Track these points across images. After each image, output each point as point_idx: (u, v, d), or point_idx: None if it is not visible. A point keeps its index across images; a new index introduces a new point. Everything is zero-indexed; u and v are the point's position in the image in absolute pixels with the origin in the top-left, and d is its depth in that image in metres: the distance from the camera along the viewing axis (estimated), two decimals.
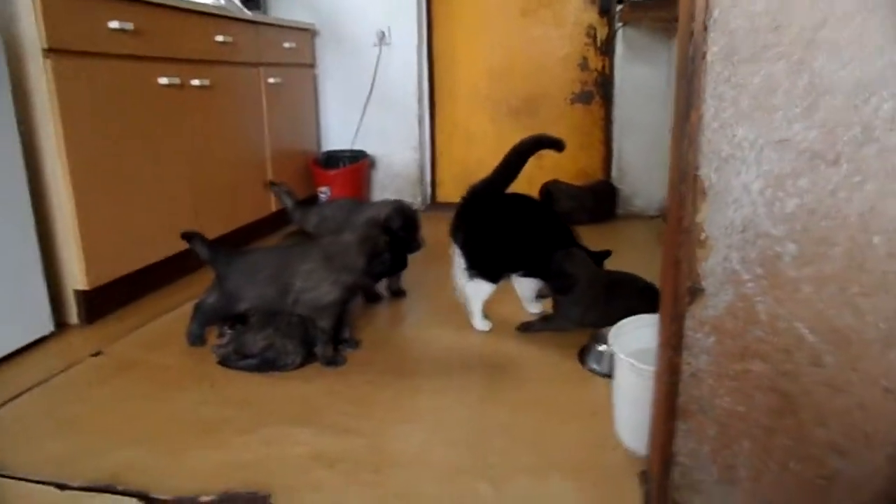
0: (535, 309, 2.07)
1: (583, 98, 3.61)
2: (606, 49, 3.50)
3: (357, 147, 3.71)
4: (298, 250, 1.79)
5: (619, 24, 3.35)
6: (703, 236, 0.90)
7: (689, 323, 0.94)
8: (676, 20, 2.92)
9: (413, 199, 3.71)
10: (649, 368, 1.17)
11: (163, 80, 2.30)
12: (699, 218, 0.90)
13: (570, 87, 3.61)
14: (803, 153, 0.85)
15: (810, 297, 0.89)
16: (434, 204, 3.82)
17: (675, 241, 0.94)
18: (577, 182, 3.53)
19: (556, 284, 1.90)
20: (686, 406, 0.97)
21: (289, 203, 2.42)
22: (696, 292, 0.92)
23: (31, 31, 1.82)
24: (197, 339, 1.87)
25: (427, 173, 3.81)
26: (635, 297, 1.83)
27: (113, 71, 2.09)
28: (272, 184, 2.44)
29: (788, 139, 0.85)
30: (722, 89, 0.85)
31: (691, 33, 0.85)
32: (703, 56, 0.85)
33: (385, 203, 2.14)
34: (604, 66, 3.54)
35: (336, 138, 3.76)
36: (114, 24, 2.04)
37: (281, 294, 1.71)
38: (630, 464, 1.26)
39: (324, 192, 3.45)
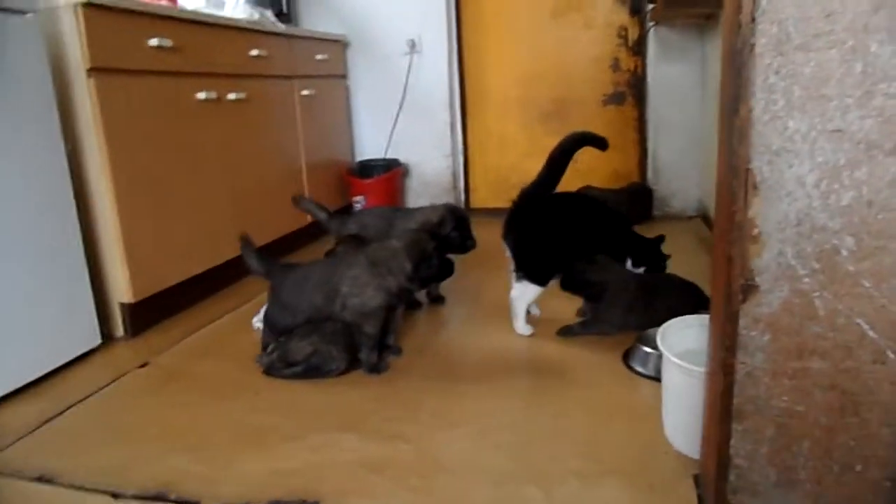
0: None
1: (615, 99, 3.58)
2: (638, 49, 3.47)
3: (390, 156, 3.73)
4: (347, 257, 1.80)
5: (651, 24, 3.32)
6: (755, 231, 0.88)
7: (743, 321, 0.92)
8: (710, 17, 2.89)
9: None
10: (700, 369, 1.15)
11: (200, 95, 2.34)
12: (751, 213, 0.88)
13: (602, 88, 3.58)
14: (859, 143, 0.83)
15: (870, 292, 0.87)
16: (468, 210, 3.82)
17: (726, 237, 0.92)
18: (612, 185, 3.50)
19: (584, 294, 1.88)
20: (742, 406, 0.95)
21: (321, 216, 2.37)
22: (749, 289, 0.90)
23: (75, 51, 1.87)
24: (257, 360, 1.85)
25: (460, 180, 3.81)
26: (675, 296, 1.80)
27: (153, 87, 2.13)
28: (299, 199, 2.41)
29: (843, 129, 0.83)
30: (772, 80, 0.84)
31: (739, 25, 0.83)
32: (752, 48, 0.83)
33: (432, 208, 2.10)
34: (636, 67, 3.50)
35: (369, 148, 3.79)
36: (153, 42, 2.09)
37: (328, 300, 1.72)
38: (682, 467, 1.23)
39: (358, 202, 3.47)
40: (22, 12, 1.71)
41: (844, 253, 0.86)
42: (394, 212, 2.31)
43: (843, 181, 0.84)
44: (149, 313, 2.15)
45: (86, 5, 1.84)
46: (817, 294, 0.88)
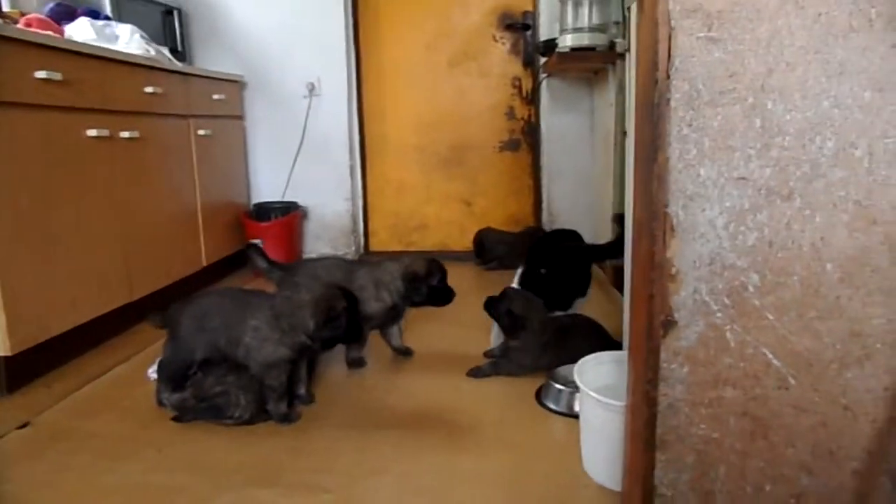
0: None
1: (511, 146, 3.73)
2: (532, 98, 3.65)
3: (288, 198, 3.67)
4: (252, 302, 1.71)
5: (544, 75, 3.51)
6: (673, 270, 0.95)
7: (664, 355, 0.97)
8: (598, 72, 3.10)
9: (347, 249, 3.69)
10: (620, 404, 1.20)
11: (91, 132, 2.22)
12: (669, 253, 0.94)
13: (498, 135, 3.73)
14: (760, 189, 0.92)
15: (773, 324, 0.95)
16: (368, 253, 3.81)
17: (646, 276, 0.98)
18: (509, 228, 3.61)
19: (505, 325, 1.93)
20: (664, 436, 1.00)
21: (262, 264, 2.20)
22: (669, 325, 0.96)
23: None
24: (165, 402, 1.75)
25: (360, 223, 3.80)
26: (583, 337, 1.87)
27: (39, 122, 2.00)
28: (248, 246, 2.26)
29: (746, 177, 0.92)
30: (685, 132, 0.91)
31: (656, 81, 0.91)
32: (668, 102, 0.90)
33: (412, 259, 2.05)
34: (530, 115, 3.68)
35: (267, 190, 3.71)
36: (41, 74, 1.97)
37: (231, 345, 1.65)
38: (604, 498, 1.27)
39: (256, 245, 3.37)
40: None
41: (751, 289, 0.94)
42: (351, 263, 2.19)
43: (748, 223, 0.93)
44: (29, 367, 1.97)
45: None
46: (728, 327, 0.96)
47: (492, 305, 1.93)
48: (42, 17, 2.47)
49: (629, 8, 1.77)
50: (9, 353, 1.88)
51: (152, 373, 1.98)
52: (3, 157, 1.85)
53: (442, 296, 2.02)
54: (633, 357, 1.07)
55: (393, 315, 2.08)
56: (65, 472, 1.48)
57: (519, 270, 2.26)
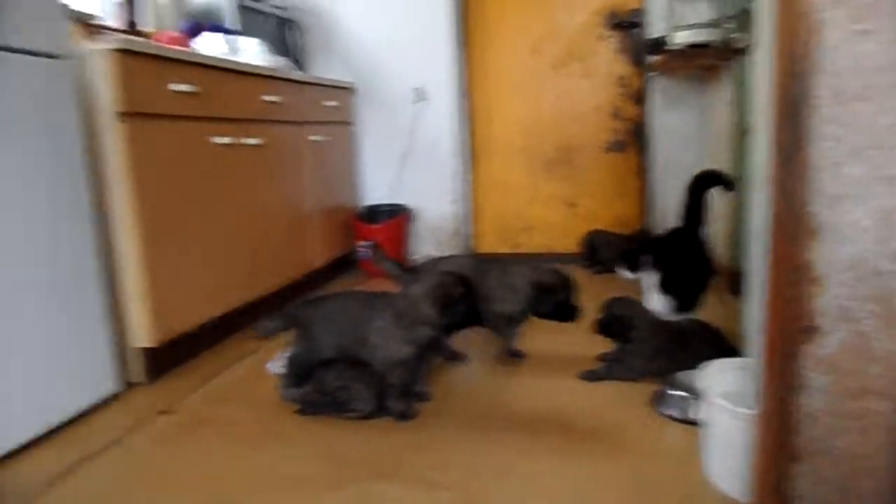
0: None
1: (617, 146, 3.66)
2: (639, 98, 3.57)
3: (396, 201, 3.77)
4: (375, 303, 1.76)
5: (652, 74, 3.42)
6: (815, 274, 0.91)
7: (802, 362, 0.93)
8: (710, 68, 2.99)
9: (453, 250, 3.74)
10: (749, 412, 1.15)
11: (219, 140, 2.37)
12: (810, 256, 0.90)
13: (605, 136, 3.66)
14: None
15: None
16: (461, 255, 3.84)
17: (785, 280, 0.94)
18: (616, 230, 3.55)
19: (611, 332, 1.90)
20: (802, 447, 0.96)
21: (390, 267, 2.21)
22: (809, 331, 0.92)
23: (105, 95, 1.89)
24: (289, 396, 1.83)
25: (466, 225, 3.84)
26: (701, 344, 1.81)
27: (175, 131, 2.16)
28: (377, 254, 2.30)
29: None
30: (830, 129, 0.87)
31: (798, 76, 0.87)
32: (811, 98, 0.87)
33: (547, 270, 2.04)
34: (637, 115, 3.59)
35: (375, 193, 3.83)
36: (177, 87, 2.12)
37: (357, 345, 1.71)
38: None
39: (365, 247, 3.48)
40: (57, 57, 1.74)
41: None
42: (481, 262, 2.14)
43: None
44: (168, 358, 2.13)
45: (117, 51, 1.88)
46: (874, 336, 0.90)
47: (603, 323, 1.91)
48: (175, 34, 2.67)
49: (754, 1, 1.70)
50: (151, 345, 2.04)
51: (272, 367, 2.09)
52: (145, 164, 2.00)
53: (567, 312, 2.00)
54: (768, 364, 1.03)
55: (518, 320, 2.08)
56: (204, 455, 1.59)
57: (650, 275, 2.18)
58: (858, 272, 0.90)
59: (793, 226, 0.91)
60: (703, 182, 2.15)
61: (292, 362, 1.83)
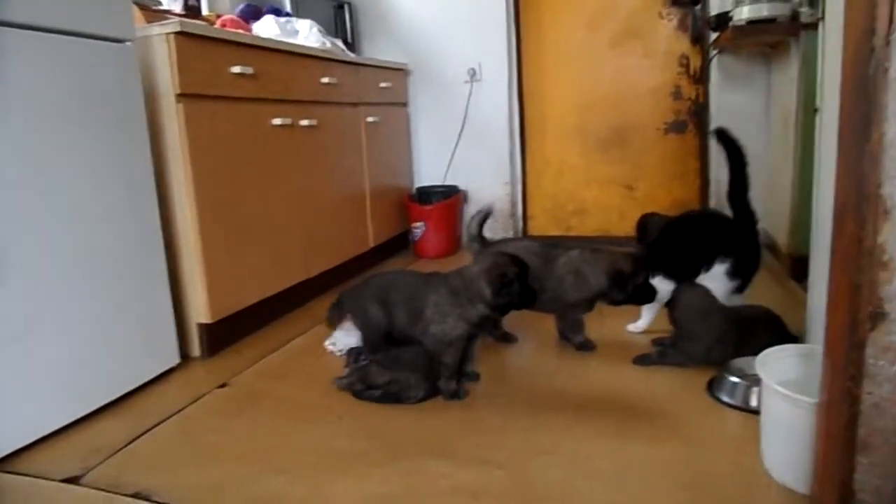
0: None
1: (676, 127, 3.56)
2: (700, 77, 3.45)
3: (449, 182, 3.77)
4: (431, 280, 1.78)
5: (715, 52, 3.30)
6: (885, 258, 0.86)
7: (870, 350, 0.89)
8: (776, 45, 2.86)
9: (504, 233, 3.72)
10: (811, 400, 1.12)
11: (276, 121, 2.41)
12: (881, 239, 0.86)
13: (663, 116, 3.57)
14: None
15: None
16: (526, 237, 3.82)
17: (852, 263, 0.90)
18: (674, 213, 3.46)
19: (675, 318, 1.85)
20: (868, 438, 0.92)
21: (474, 231, 2.21)
22: (878, 317, 0.88)
23: (166, 77, 1.94)
24: (342, 385, 1.82)
25: (519, 207, 3.82)
26: (766, 333, 1.75)
27: (233, 113, 2.20)
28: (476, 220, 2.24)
29: None
30: None
31: (872, 49, 0.83)
32: (886, 72, 0.82)
33: (622, 255, 1.97)
34: (697, 95, 3.48)
35: (428, 174, 3.84)
36: (235, 69, 2.16)
37: (412, 320, 1.73)
38: (788, 500, 1.20)
39: (418, 228, 3.50)
40: (121, 41, 1.79)
41: None
42: (548, 248, 2.06)
43: None
44: (225, 334, 2.20)
45: (178, 34, 1.92)
46: None
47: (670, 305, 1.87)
48: (234, 17, 2.72)
49: None
50: (209, 321, 2.11)
51: (329, 344, 2.13)
52: (205, 144, 2.06)
53: (645, 294, 1.94)
54: (832, 351, 0.99)
55: (588, 307, 2.03)
56: (260, 427, 1.64)
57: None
58: None
59: (863, 207, 0.87)
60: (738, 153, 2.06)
61: (365, 343, 1.88)
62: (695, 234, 2.07)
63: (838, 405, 0.96)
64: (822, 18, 1.69)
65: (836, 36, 1.16)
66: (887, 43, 0.81)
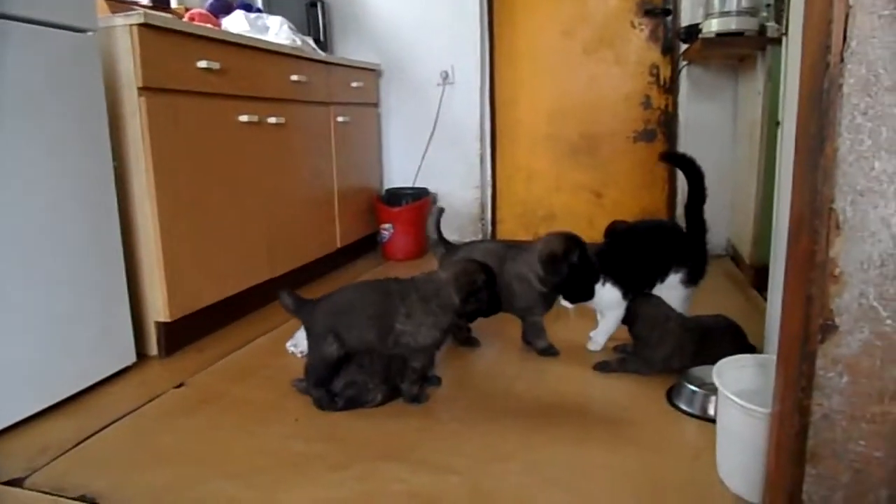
0: None
1: (645, 136, 3.59)
2: (670, 87, 3.49)
3: (419, 185, 3.75)
4: (396, 289, 1.68)
5: (684, 63, 3.34)
6: (837, 271, 0.87)
7: (820, 362, 0.90)
8: (743, 58, 2.91)
9: (473, 236, 3.72)
10: (764, 410, 1.13)
11: (243, 118, 2.37)
12: (833, 252, 0.87)
13: (633, 125, 3.60)
14: None
15: None
16: (491, 240, 3.82)
17: (804, 276, 0.91)
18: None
19: (635, 330, 1.86)
20: (816, 450, 0.93)
21: (433, 234, 2.21)
22: (828, 329, 0.89)
23: (128, 70, 1.90)
24: (325, 402, 1.70)
25: (488, 211, 3.82)
26: (725, 342, 1.76)
27: (199, 108, 2.16)
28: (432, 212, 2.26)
29: None
30: (859, 121, 0.83)
31: (827, 65, 0.83)
32: (840, 88, 0.83)
33: (551, 237, 1.96)
34: (667, 105, 3.52)
35: (398, 176, 3.82)
36: (202, 64, 2.13)
37: (381, 337, 1.65)
38: None
39: (386, 230, 3.48)
40: (82, 31, 1.74)
41: None
42: (505, 248, 2.06)
43: None
44: (184, 333, 2.16)
45: (142, 26, 1.88)
46: None
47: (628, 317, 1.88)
48: (203, 11, 2.67)
49: None
50: (168, 320, 2.07)
51: (291, 346, 2.10)
52: (168, 139, 2.01)
53: (582, 275, 1.88)
54: (784, 362, 1.00)
55: (543, 306, 2.00)
56: (215, 429, 1.61)
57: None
58: (884, 271, 0.86)
59: (816, 221, 0.88)
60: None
61: (309, 371, 1.73)
62: (650, 245, 2.08)
63: (790, 416, 0.97)
64: (786, 34, 1.72)
65: (797, 51, 1.18)
66: (841, 59, 0.82)
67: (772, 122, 2.37)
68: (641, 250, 2.05)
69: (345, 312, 1.68)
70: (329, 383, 1.70)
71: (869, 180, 0.85)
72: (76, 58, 1.73)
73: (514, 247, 2.06)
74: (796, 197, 0.96)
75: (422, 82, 3.69)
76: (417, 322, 1.62)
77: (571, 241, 1.92)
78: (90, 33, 1.77)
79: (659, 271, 2.01)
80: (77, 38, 1.73)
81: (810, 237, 0.89)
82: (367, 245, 3.61)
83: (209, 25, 2.44)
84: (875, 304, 0.87)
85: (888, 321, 0.87)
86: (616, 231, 2.18)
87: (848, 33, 0.82)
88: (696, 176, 2.10)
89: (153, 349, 2.09)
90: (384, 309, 1.64)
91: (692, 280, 2.02)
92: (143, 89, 1.92)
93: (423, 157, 3.75)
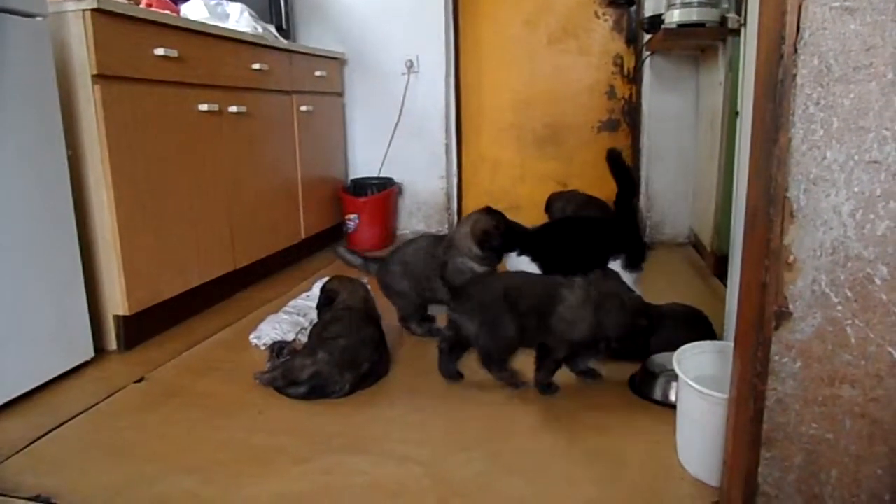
0: None
1: (609, 126, 3.62)
2: (634, 77, 3.52)
3: (384, 174, 3.73)
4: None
5: (647, 53, 3.37)
6: (790, 258, 0.89)
7: (774, 347, 0.92)
8: (705, 49, 2.94)
9: (440, 226, 3.72)
10: (722, 395, 1.15)
11: (202, 107, 2.32)
12: (787, 240, 0.89)
13: (597, 115, 3.63)
14: (895, 174, 0.84)
15: None
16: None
17: (760, 263, 0.92)
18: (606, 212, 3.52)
19: None
20: (771, 433, 0.95)
21: (356, 261, 2.28)
22: (783, 316, 0.91)
23: (81, 57, 1.84)
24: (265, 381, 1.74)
25: (454, 201, 3.81)
26: (682, 327, 1.79)
27: (156, 97, 2.11)
28: (335, 251, 2.40)
29: (879, 161, 0.85)
30: (812, 111, 0.85)
31: (781, 56, 0.85)
32: (793, 78, 0.84)
33: (474, 217, 2.04)
34: (631, 95, 3.56)
35: (363, 166, 3.79)
36: (159, 51, 2.07)
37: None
38: (699, 493, 1.23)
39: (352, 220, 3.45)
40: (31, 16, 1.69)
41: (878, 282, 0.87)
42: (435, 243, 2.12)
43: (879, 211, 0.85)
44: (144, 327, 2.11)
45: (95, 11, 1.83)
46: (849, 322, 0.89)
47: None
48: None
49: None
50: (126, 313, 2.02)
51: (254, 338, 2.08)
52: (124, 128, 1.96)
53: (509, 240, 1.99)
54: (740, 348, 1.02)
55: None
56: (176, 425, 1.58)
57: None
58: (835, 258, 0.88)
59: (770, 209, 0.89)
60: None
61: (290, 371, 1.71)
62: (580, 240, 2.17)
63: (745, 401, 0.99)
64: (744, 25, 1.74)
65: (754, 42, 1.19)
66: (795, 50, 0.84)
67: (732, 113, 2.41)
68: (568, 242, 2.18)
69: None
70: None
71: (821, 169, 0.86)
72: (25, 43, 1.67)
73: (440, 239, 2.14)
74: (752, 186, 0.97)
75: (387, 71, 3.66)
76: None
77: (494, 213, 2.01)
78: (39, 18, 1.71)
79: (591, 261, 2.06)
80: (26, 23, 1.67)
81: (765, 225, 0.91)
82: (334, 235, 3.58)
83: (167, 12, 2.38)
84: (827, 290, 0.89)
85: (838, 307, 0.89)
86: (550, 222, 2.41)
87: (801, 24, 0.83)
88: (624, 177, 2.20)
89: (112, 344, 2.04)
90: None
91: (632, 265, 2.11)
92: (98, 77, 1.87)
93: (388, 147, 3.73)
